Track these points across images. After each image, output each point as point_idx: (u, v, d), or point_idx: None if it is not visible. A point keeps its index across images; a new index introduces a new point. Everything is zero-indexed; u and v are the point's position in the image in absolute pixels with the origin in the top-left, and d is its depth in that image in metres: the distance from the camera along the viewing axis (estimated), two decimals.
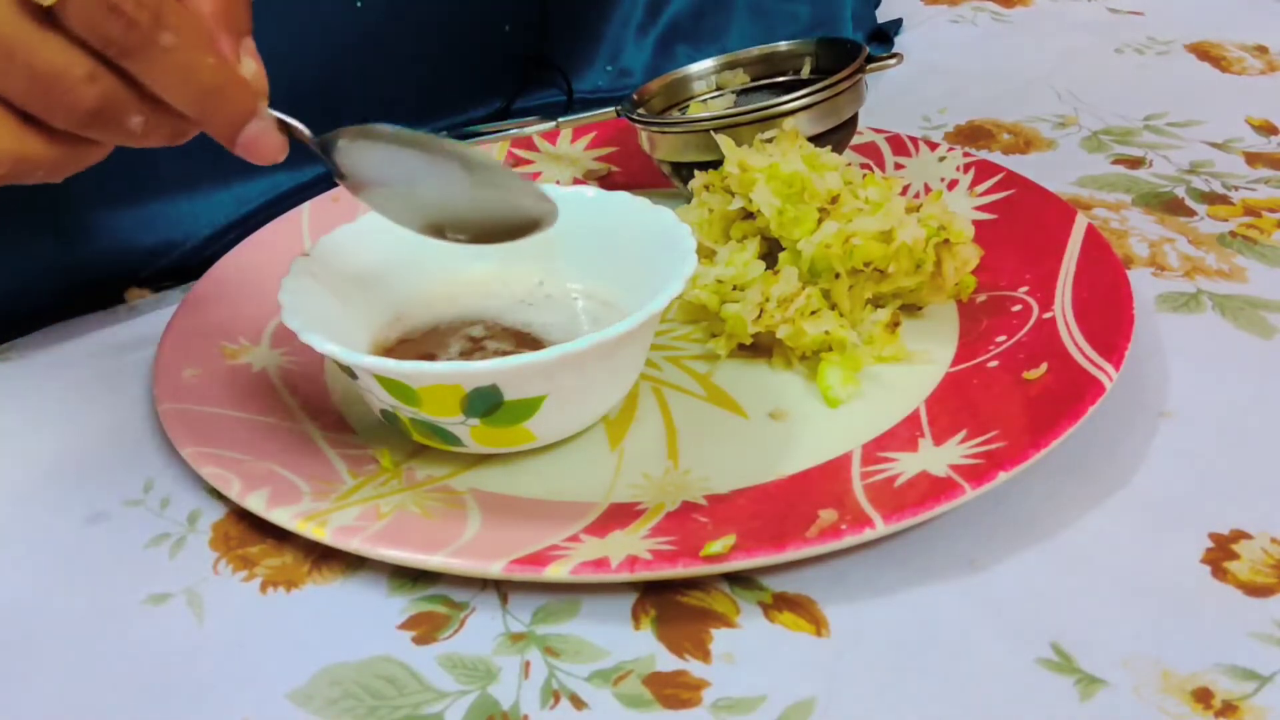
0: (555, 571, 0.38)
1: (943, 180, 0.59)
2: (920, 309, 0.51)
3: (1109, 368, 0.44)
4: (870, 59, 0.57)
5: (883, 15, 0.82)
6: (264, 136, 0.40)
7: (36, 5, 0.34)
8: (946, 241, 0.49)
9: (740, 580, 0.40)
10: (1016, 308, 0.50)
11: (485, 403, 0.40)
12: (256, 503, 0.41)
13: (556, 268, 0.49)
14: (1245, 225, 0.58)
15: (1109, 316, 0.47)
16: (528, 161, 0.64)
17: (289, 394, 0.48)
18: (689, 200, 0.54)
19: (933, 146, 0.61)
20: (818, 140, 0.53)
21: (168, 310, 0.53)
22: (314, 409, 0.47)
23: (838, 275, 0.48)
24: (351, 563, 0.41)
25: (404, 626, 0.38)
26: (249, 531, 0.42)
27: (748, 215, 0.51)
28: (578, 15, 0.69)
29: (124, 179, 0.55)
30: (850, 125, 0.56)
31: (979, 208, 0.57)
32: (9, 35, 0.34)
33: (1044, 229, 0.54)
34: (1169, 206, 0.60)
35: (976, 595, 0.39)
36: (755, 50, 0.61)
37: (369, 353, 0.43)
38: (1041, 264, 0.52)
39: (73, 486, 0.45)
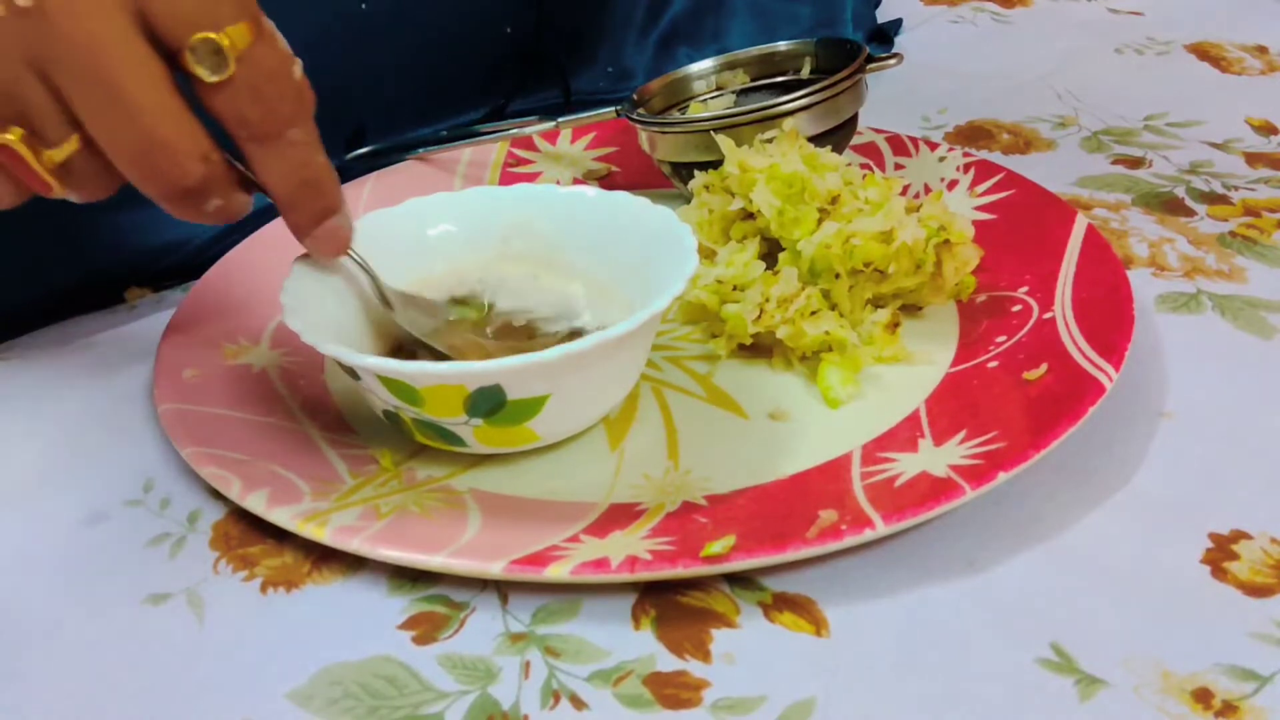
0: (555, 572, 0.38)
1: (943, 180, 0.59)
2: (920, 309, 0.51)
3: (1109, 368, 0.44)
4: (870, 59, 0.57)
5: (883, 15, 0.82)
6: (337, 233, 0.42)
7: (195, 75, 0.36)
8: (946, 242, 0.49)
9: (740, 580, 0.40)
10: (1016, 308, 0.50)
11: (488, 403, 0.40)
12: (256, 503, 0.41)
13: (557, 267, 0.49)
14: (1245, 225, 0.58)
15: (1109, 317, 0.47)
16: (528, 161, 0.64)
17: (289, 394, 0.48)
18: (689, 200, 0.54)
19: (933, 146, 0.61)
20: (818, 140, 0.53)
21: (168, 310, 0.53)
22: (314, 409, 0.47)
23: (838, 275, 0.48)
24: (351, 563, 0.41)
25: (404, 626, 0.38)
26: (249, 531, 0.42)
27: (748, 215, 0.51)
28: (578, 16, 0.69)
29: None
30: (850, 125, 0.56)
31: (979, 208, 0.57)
32: (142, 97, 0.35)
33: (1044, 229, 0.54)
34: (1169, 207, 0.60)
35: (976, 595, 0.39)
36: (755, 50, 0.61)
37: (370, 353, 0.43)
38: (1041, 264, 0.52)
39: (73, 486, 0.45)
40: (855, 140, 0.59)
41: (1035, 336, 0.47)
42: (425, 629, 0.38)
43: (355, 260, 0.45)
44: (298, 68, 0.38)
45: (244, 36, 0.36)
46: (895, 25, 0.81)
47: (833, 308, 0.49)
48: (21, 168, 0.37)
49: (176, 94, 0.36)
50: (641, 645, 0.37)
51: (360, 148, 0.63)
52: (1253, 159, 0.65)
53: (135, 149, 0.36)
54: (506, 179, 0.62)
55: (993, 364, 0.47)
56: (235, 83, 0.36)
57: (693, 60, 0.61)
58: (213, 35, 0.36)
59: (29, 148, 0.37)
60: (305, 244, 0.43)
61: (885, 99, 0.70)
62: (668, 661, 0.37)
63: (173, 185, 0.37)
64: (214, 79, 0.36)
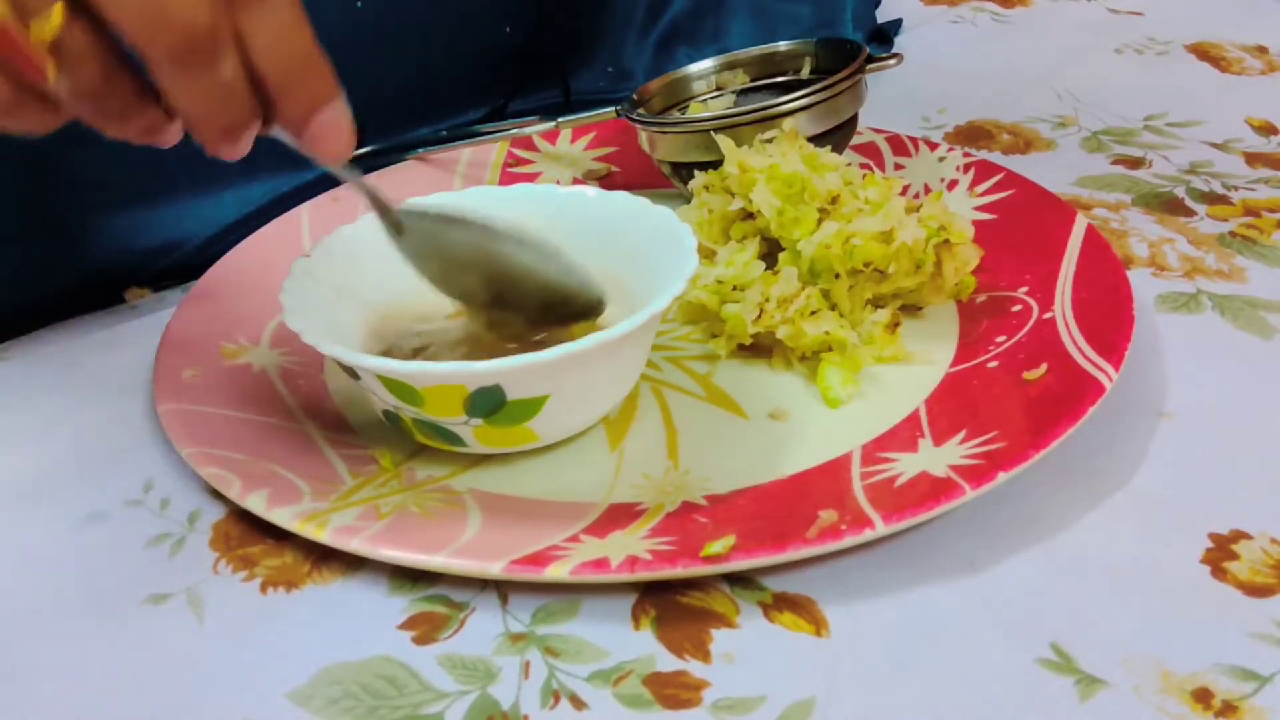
0: (555, 572, 0.38)
1: (943, 180, 0.59)
2: (920, 309, 0.51)
3: (1109, 368, 0.44)
4: (870, 59, 0.57)
5: (883, 15, 0.82)
6: (337, 126, 0.39)
7: None
8: (946, 242, 0.49)
9: (740, 580, 0.40)
10: (1016, 308, 0.50)
11: (488, 402, 0.40)
12: (256, 503, 0.41)
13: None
14: (1245, 225, 0.58)
15: (1109, 317, 0.47)
16: (528, 161, 0.64)
17: (289, 394, 0.48)
18: (689, 200, 0.54)
19: (933, 146, 0.61)
20: (818, 140, 0.53)
21: (168, 310, 0.53)
22: (314, 409, 0.47)
23: (838, 275, 0.48)
24: (351, 563, 0.41)
25: (404, 626, 0.38)
26: (249, 531, 0.42)
27: (748, 215, 0.51)
28: (578, 16, 0.69)
29: (125, 179, 0.55)
30: (850, 125, 0.56)
31: (979, 208, 0.57)
32: None
33: (1044, 229, 0.54)
34: (1169, 207, 0.60)
35: (976, 595, 0.39)
36: (755, 50, 0.61)
37: (370, 353, 0.43)
38: (1041, 264, 0.52)
39: (73, 486, 0.45)
40: (855, 140, 0.59)
41: (1035, 336, 0.47)
42: (425, 629, 0.38)
43: (358, 185, 0.43)
44: None
45: None
46: (895, 25, 0.81)
47: (833, 308, 0.49)
48: (9, 45, 0.34)
49: None
50: (641, 645, 0.37)
51: (360, 148, 0.63)
52: (1253, 159, 0.65)
53: None
54: (506, 179, 0.62)
55: (993, 364, 0.47)
56: None
57: (693, 60, 0.61)
58: None
59: (17, 23, 0.34)
60: (305, 145, 0.39)
61: (885, 99, 0.70)
62: (668, 661, 0.37)
63: (183, 33, 0.34)
64: None
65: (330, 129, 0.39)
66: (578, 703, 0.36)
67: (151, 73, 0.35)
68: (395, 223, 0.44)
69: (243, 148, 0.38)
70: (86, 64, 0.35)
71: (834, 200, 0.49)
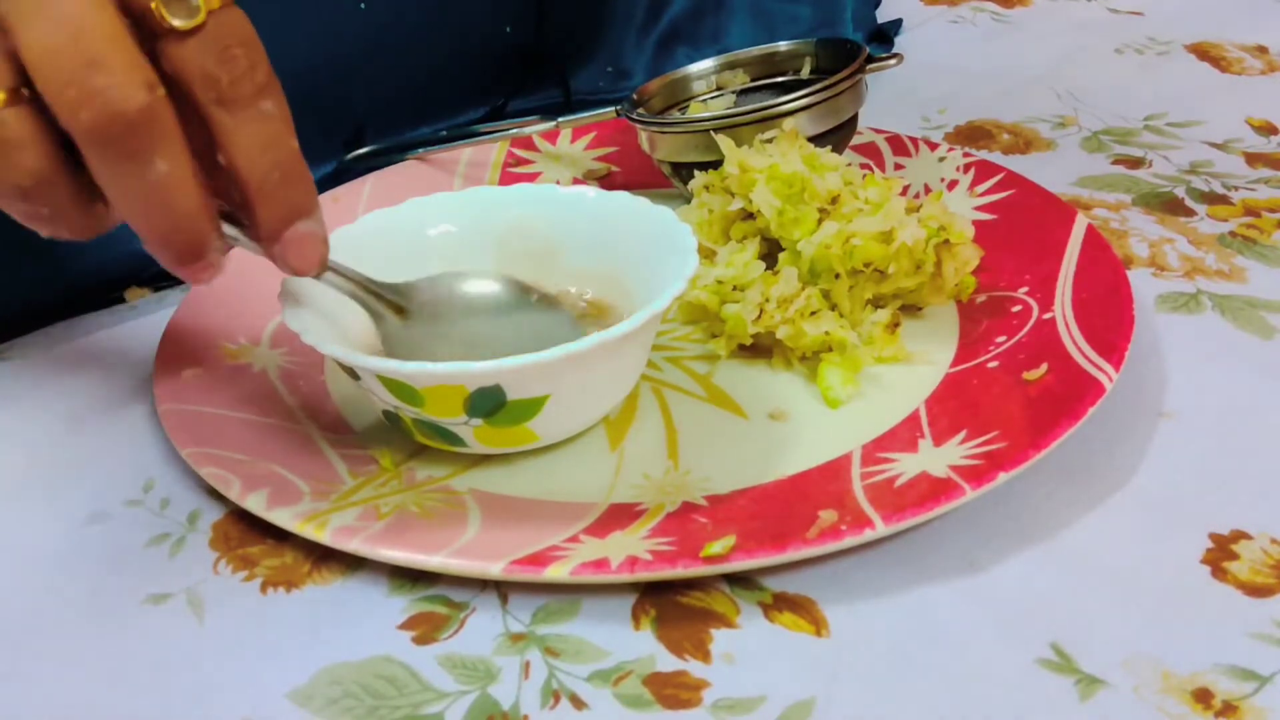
0: (555, 572, 0.38)
1: (943, 180, 0.59)
2: (920, 309, 0.51)
3: (1109, 368, 0.44)
4: (870, 59, 0.57)
5: (883, 15, 0.82)
6: (312, 240, 0.38)
7: (163, 28, 0.33)
8: (946, 242, 0.49)
9: (740, 580, 0.40)
10: (1016, 308, 0.50)
11: (488, 403, 0.40)
12: (256, 503, 0.41)
13: (557, 268, 0.49)
14: (1245, 225, 0.58)
15: (1109, 317, 0.47)
16: (528, 161, 0.64)
17: (289, 394, 0.48)
18: (689, 200, 0.54)
19: (933, 147, 0.61)
20: (818, 140, 0.53)
21: (168, 310, 0.53)
22: (314, 409, 0.47)
23: (838, 276, 0.48)
24: (351, 563, 0.41)
25: (404, 626, 0.38)
26: (249, 531, 0.42)
27: (748, 215, 0.51)
28: (577, 16, 0.69)
29: None
30: (850, 125, 0.56)
31: (979, 208, 0.57)
32: (80, 12, 0.32)
33: (1044, 229, 0.54)
34: (1169, 207, 0.60)
35: (976, 595, 0.39)
36: (755, 50, 0.61)
37: (371, 353, 0.43)
38: (1041, 264, 0.52)
39: (73, 486, 0.45)
40: (855, 140, 0.59)
41: (1035, 336, 0.47)
42: (425, 629, 0.38)
43: (342, 275, 0.42)
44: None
45: None
46: (895, 25, 0.81)
47: (833, 308, 0.49)
48: None
49: (124, 25, 0.33)
50: (641, 645, 0.37)
51: (360, 148, 0.63)
52: (1253, 159, 0.65)
53: (72, 67, 0.32)
54: (506, 179, 0.62)
55: (993, 364, 0.47)
56: (206, 34, 0.34)
57: (693, 60, 0.61)
58: None
59: None
60: (276, 255, 0.38)
61: (885, 99, 0.70)
62: (667, 661, 0.37)
63: (110, 111, 0.32)
64: (185, 24, 0.33)
65: (305, 242, 0.38)
66: (578, 703, 0.36)
67: (86, 162, 0.34)
68: (397, 308, 0.44)
69: (204, 269, 0.37)
70: (26, 147, 0.34)
71: (834, 200, 0.49)
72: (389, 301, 0.44)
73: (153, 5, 0.34)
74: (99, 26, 0.33)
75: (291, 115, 0.36)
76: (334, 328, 0.44)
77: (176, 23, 0.34)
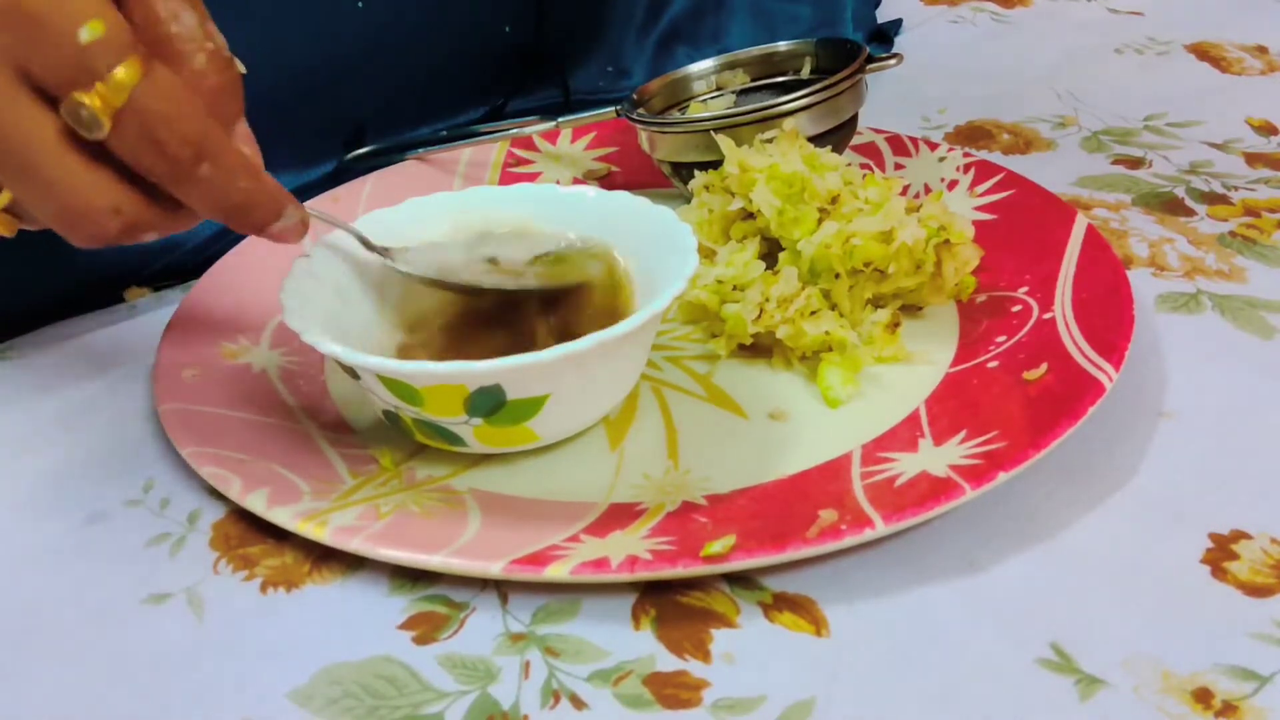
0: (555, 571, 0.38)
1: (943, 180, 0.59)
2: (920, 309, 0.51)
3: (1109, 368, 0.44)
4: (870, 59, 0.57)
5: (883, 15, 0.82)
6: (288, 231, 0.40)
7: (83, 136, 0.35)
8: (946, 242, 0.49)
9: (740, 580, 0.40)
10: (1016, 308, 0.50)
11: (488, 402, 0.40)
12: (256, 503, 0.41)
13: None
14: (1245, 225, 0.58)
15: (1109, 317, 0.47)
16: (528, 161, 0.64)
17: (289, 394, 0.48)
18: (689, 200, 0.54)
19: (933, 146, 0.61)
20: (818, 140, 0.53)
21: (168, 310, 0.53)
22: (314, 409, 0.47)
23: (838, 275, 0.48)
24: (351, 563, 0.41)
25: (404, 626, 0.38)
26: (249, 531, 0.42)
27: (748, 215, 0.51)
28: (577, 15, 0.69)
29: None
30: (850, 125, 0.56)
31: (979, 208, 0.57)
32: (46, 165, 0.35)
33: (1044, 229, 0.54)
34: (1169, 207, 0.60)
35: (976, 595, 0.39)
36: (755, 50, 0.61)
37: (371, 353, 0.43)
38: (1041, 264, 0.52)
39: (73, 486, 0.45)
40: (855, 140, 0.59)
41: (1035, 336, 0.47)
42: (425, 629, 0.38)
43: (332, 224, 0.44)
44: (223, 69, 0.37)
45: (131, 75, 0.34)
46: (895, 25, 0.81)
47: (833, 308, 0.49)
48: None
49: (74, 150, 0.35)
50: (641, 645, 0.37)
51: (360, 148, 0.63)
52: (1253, 159, 0.65)
53: (49, 213, 0.36)
54: (506, 179, 0.62)
55: (993, 364, 0.47)
56: (122, 133, 0.35)
57: (693, 60, 0.61)
58: (79, 97, 0.34)
59: None
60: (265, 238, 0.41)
61: (885, 99, 0.70)
62: (668, 661, 0.37)
63: (97, 239, 0.36)
64: (92, 137, 0.35)
65: (282, 236, 0.40)
66: (578, 703, 0.36)
67: None
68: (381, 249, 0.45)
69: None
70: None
71: (834, 200, 0.49)
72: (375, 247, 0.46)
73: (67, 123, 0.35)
74: (65, 180, 0.35)
75: (236, 152, 0.38)
76: (334, 328, 0.44)
77: (86, 134, 0.35)
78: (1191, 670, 0.36)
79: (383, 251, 0.46)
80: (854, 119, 0.56)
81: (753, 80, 0.61)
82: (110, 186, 0.36)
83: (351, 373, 0.42)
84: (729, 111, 0.55)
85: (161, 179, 0.36)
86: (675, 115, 0.60)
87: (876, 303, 0.50)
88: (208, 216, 0.38)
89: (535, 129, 0.61)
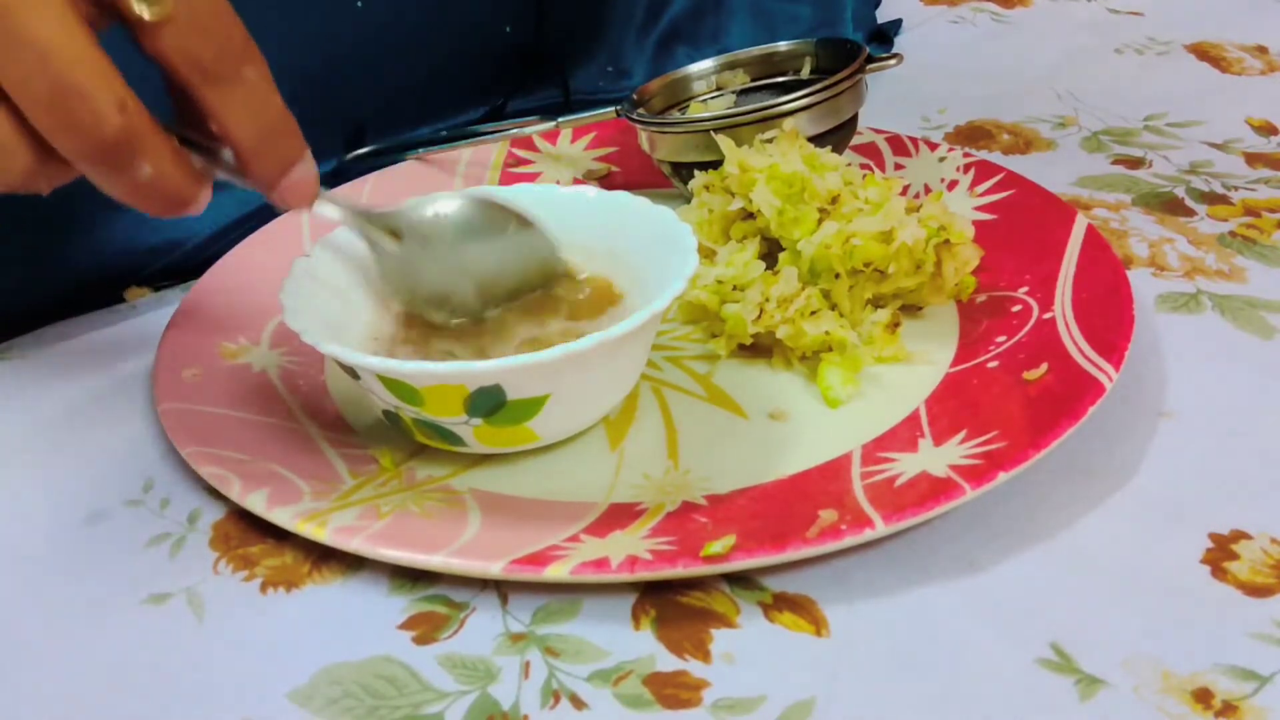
0: (555, 571, 0.38)
1: (943, 180, 0.59)
2: (920, 309, 0.51)
3: (1109, 368, 0.44)
4: (870, 59, 0.57)
5: (883, 15, 0.82)
6: (306, 180, 0.39)
7: (135, 20, 0.34)
8: (946, 242, 0.49)
9: (740, 580, 0.40)
10: (1016, 308, 0.50)
11: (488, 402, 0.40)
12: (256, 503, 0.41)
13: None
14: (1245, 225, 0.58)
15: (1109, 317, 0.47)
16: (528, 161, 0.64)
17: (289, 394, 0.48)
18: (689, 200, 0.54)
19: (933, 147, 0.61)
20: (818, 140, 0.53)
21: (168, 310, 0.53)
22: (314, 409, 0.47)
23: (838, 275, 0.48)
24: (351, 563, 0.41)
25: (404, 626, 0.38)
26: (249, 531, 0.42)
27: (748, 215, 0.51)
28: (577, 15, 0.69)
29: None
30: (850, 125, 0.56)
31: (979, 208, 0.57)
32: (49, 37, 0.33)
33: (1044, 229, 0.54)
34: (1169, 207, 0.60)
35: (976, 595, 0.39)
36: (755, 50, 0.61)
37: (371, 353, 0.43)
38: (1041, 264, 0.52)
39: (73, 486, 0.45)
40: (855, 140, 0.59)
41: (1035, 336, 0.47)
42: (425, 629, 0.38)
43: (337, 204, 0.43)
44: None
45: None
46: (895, 25, 0.81)
47: (833, 308, 0.49)
48: None
49: (91, 40, 0.34)
50: (641, 645, 0.37)
51: (360, 148, 0.63)
52: (1253, 159, 0.65)
53: (46, 95, 0.33)
54: (506, 179, 0.62)
55: (993, 364, 0.47)
56: (179, 19, 0.34)
57: (693, 60, 0.61)
58: None
59: None
60: (273, 198, 0.40)
61: (885, 99, 0.70)
62: (667, 661, 0.37)
63: (90, 137, 0.34)
64: (156, 16, 0.34)
65: (300, 184, 0.39)
66: (578, 703, 0.36)
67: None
68: (391, 228, 0.44)
69: (195, 210, 0.38)
70: (12, 152, 0.34)
71: (834, 200, 0.49)
72: (382, 226, 0.44)
73: (122, 2, 0.34)
74: (66, 49, 0.33)
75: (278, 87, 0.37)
76: (334, 327, 0.44)
77: (147, 16, 0.34)
78: (1191, 670, 0.36)
79: (388, 219, 0.45)
80: (854, 119, 0.56)
81: (753, 80, 0.61)
82: (117, 81, 0.34)
83: (351, 373, 0.42)
84: (729, 111, 0.55)
85: (209, 76, 0.35)
86: (675, 115, 0.60)
87: (876, 303, 0.50)
88: (240, 138, 0.37)
89: (535, 129, 0.61)
